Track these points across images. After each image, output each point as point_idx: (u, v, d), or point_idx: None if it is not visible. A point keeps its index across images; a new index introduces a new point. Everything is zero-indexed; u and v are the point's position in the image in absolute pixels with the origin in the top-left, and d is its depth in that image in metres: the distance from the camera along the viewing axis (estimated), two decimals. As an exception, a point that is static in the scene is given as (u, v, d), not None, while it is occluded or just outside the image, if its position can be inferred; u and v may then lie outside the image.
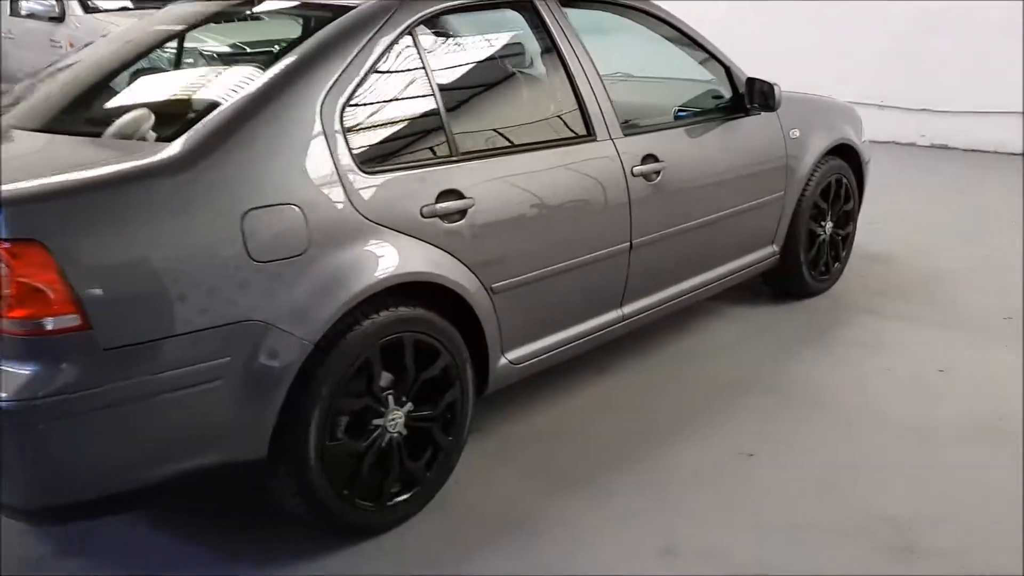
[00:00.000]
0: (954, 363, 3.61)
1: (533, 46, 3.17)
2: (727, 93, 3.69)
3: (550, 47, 3.03)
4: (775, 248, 4.00)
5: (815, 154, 4.03)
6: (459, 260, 2.60)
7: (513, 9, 3.03)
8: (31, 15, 9.23)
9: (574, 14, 3.15)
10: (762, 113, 3.71)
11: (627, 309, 3.28)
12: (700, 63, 3.70)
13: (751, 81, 3.58)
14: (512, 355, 2.87)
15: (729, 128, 3.60)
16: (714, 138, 3.54)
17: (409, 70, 2.65)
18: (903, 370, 3.58)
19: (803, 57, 8.42)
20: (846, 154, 4.31)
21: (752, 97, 3.58)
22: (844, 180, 4.29)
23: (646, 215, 3.19)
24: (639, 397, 3.38)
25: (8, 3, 9.43)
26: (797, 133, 3.93)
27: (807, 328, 4.01)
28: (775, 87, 3.55)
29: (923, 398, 3.34)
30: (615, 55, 3.58)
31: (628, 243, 3.15)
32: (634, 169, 3.12)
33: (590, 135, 3.04)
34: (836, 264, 4.41)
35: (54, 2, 8.96)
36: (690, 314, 3.98)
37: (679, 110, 3.65)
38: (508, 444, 3.08)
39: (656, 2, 3.57)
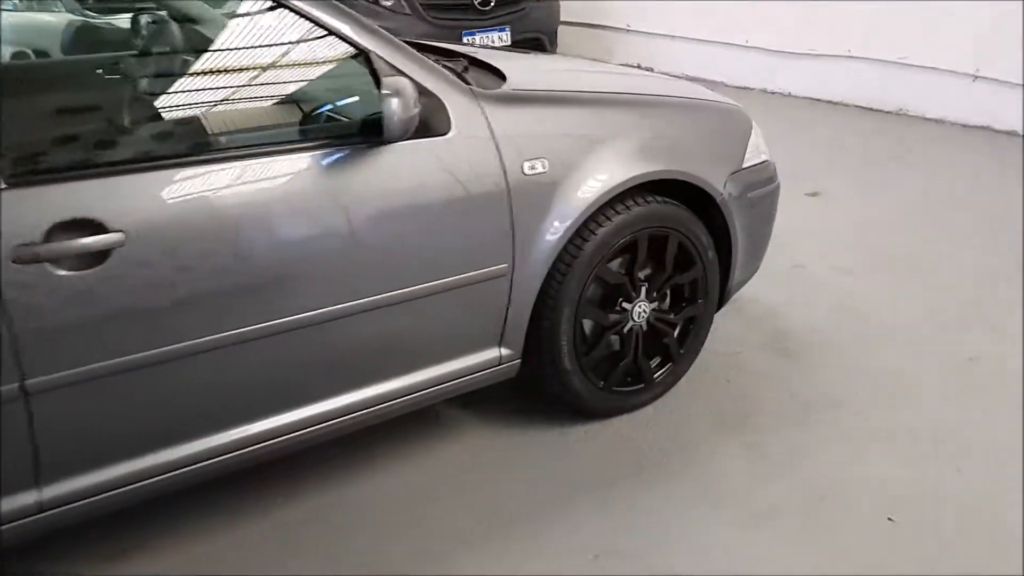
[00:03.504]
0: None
1: None
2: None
3: None
4: (501, 352, 2.41)
5: (591, 199, 2.38)
6: None
7: None
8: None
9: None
10: (453, 133, 2.12)
11: (52, 493, 1.85)
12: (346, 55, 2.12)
13: (387, 85, 1.99)
14: None
15: (353, 163, 2.04)
16: (308, 183, 2.01)
17: None
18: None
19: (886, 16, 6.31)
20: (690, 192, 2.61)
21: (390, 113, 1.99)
22: (679, 235, 2.59)
23: (65, 333, 1.74)
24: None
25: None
26: (543, 166, 2.29)
27: (550, 478, 2.42)
28: (394, 97, 1.95)
29: None
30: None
31: (18, 385, 1.71)
32: (21, 252, 1.66)
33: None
34: (668, 365, 2.73)
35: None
36: (394, 427, 2.49)
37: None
38: None
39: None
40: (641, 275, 2.60)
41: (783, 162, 3.00)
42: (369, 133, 2.03)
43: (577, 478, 2.41)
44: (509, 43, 6.25)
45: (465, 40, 6.06)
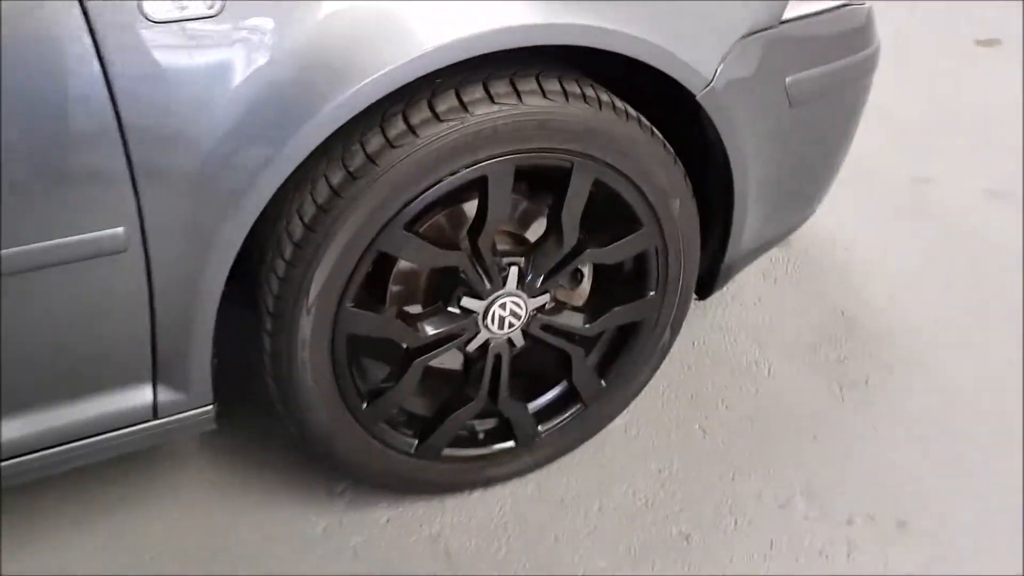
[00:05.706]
0: None
1: None
2: None
3: None
4: (159, 396, 1.16)
5: (360, 86, 0.99)
6: None
7: None
8: None
9: None
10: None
11: None
12: None
13: None
14: None
15: None
16: None
17: None
18: None
19: None
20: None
21: None
22: (598, 169, 1.19)
23: None
24: None
25: None
26: (210, 4, 0.92)
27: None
28: None
29: None
30: None
31: None
32: None
33: None
34: (576, 407, 1.41)
35: None
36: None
37: None
38: None
39: None
40: (513, 245, 1.25)
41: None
42: None
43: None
44: None
45: None
